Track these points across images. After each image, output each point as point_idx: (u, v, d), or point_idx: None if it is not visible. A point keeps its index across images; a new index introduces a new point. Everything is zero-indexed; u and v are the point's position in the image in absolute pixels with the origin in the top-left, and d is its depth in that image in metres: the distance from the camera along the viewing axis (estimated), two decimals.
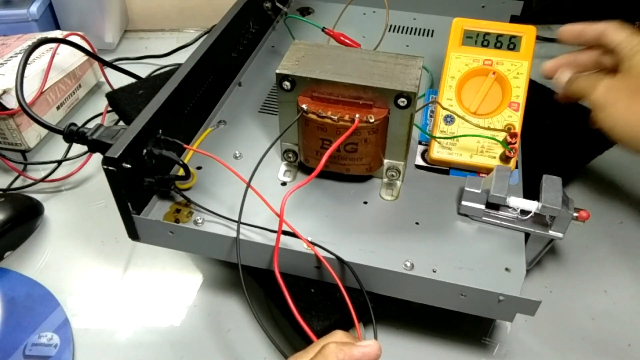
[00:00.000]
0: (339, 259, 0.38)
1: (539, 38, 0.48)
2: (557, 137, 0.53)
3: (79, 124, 0.41)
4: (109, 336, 0.45)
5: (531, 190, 0.42)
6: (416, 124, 0.44)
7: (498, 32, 0.47)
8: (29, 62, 0.51)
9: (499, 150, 0.45)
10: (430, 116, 0.51)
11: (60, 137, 0.41)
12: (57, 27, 0.77)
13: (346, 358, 0.30)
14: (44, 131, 0.62)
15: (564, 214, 0.39)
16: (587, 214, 0.39)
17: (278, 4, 0.64)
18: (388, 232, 0.42)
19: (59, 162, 0.59)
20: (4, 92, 0.56)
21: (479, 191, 0.41)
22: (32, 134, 0.60)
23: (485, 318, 0.39)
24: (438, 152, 0.46)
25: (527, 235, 0.41)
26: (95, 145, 0.40)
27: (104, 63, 0.67)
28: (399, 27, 0.67)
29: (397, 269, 0.38)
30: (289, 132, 0.43)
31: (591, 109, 0.43)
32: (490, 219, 0.42)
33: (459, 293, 0.37)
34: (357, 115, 0.39)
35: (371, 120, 0.39)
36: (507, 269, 0.39)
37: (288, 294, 0.34)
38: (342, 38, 0.55)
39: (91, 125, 0.41)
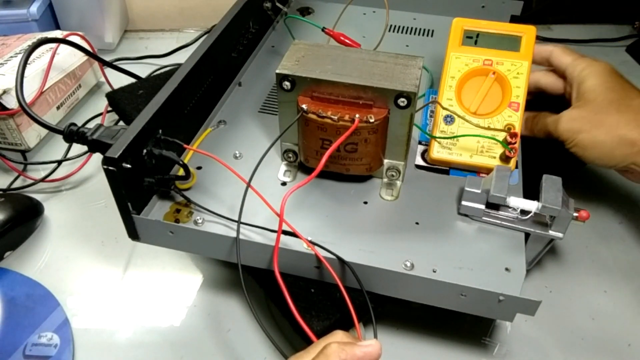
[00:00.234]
0: (339, 259, 0.38)
1: (539, 38, 0.48)
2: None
3: (79, 124, 0.41)
4: (109, 336, 0.45)
5: (531, 190, 0.42)
6: (416, 124, 0.44)
7: (498, 32, 0.47)
8: (29, 62, 0.51)
9: (499, 150, 0.45)
10: (430, 116, 0.51)
11: (60, 137, 0.41)
12: (57, 27, 0.77)
13: (348, 358, 0.30)
14: (44, 131, 0.62)
15: (564, 214, 0.39)
16: (587, 214, 0.39)
17: (278, 4, 0.64)
18: (388, 232, 0.42)
19: (59, 162, 0.59)
20: (4, 92, 0.56)
21: (479, 191, 0.41)
22: (32, 134, 0.60)
23: (485, 318, 0.39)
24: (438, 152, 0.46)
25: (527, 235, 0.41)
26: (95, 145, 0.40)
27: (104, 63, 0.67)
28: (399, 27, 0.67)
29: (397, 269, 0.38)
30: (289, 132, 0.43)
31: (560, 141, 0.45)
32: (490, 219, 0.42)
33: (459, 293, 0.37)
34: (357, 115, 0.39)
35: (371, 120, 0.39)
36: (507, 269, 0.39)
37: (288, 294, 0.34)
38: (342, 38, 0.55)
39: (91, 125, 0.41)
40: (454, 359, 0.43)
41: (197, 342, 0.44)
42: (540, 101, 0.50)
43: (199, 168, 0.46)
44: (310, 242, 0.38)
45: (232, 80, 0.56)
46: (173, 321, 0.46)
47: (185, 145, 0.42)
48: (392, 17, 0.68)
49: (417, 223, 0.42)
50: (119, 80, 0.66)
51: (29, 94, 0.58)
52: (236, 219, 0.39)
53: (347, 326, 0.38)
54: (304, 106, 0.40)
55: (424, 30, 0.67)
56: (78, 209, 0.55)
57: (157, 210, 0.42)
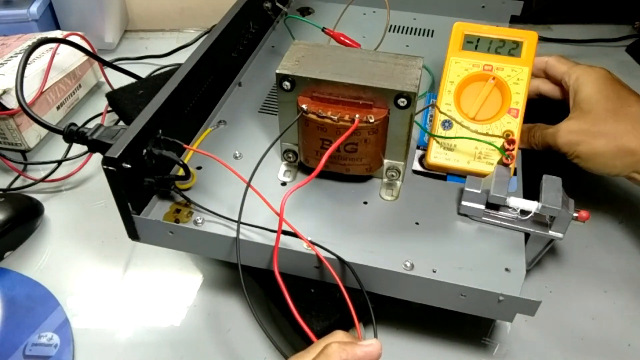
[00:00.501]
0: (339, 259, 0.38)
1: (539, 38, 0.47)
2: None
3: (79, 124, 0.41)
4: (109, 336, 0.45)
5: (531, 191, 0.42)
6: (416, 122, 0.44)
7: (499, 37, 0.47)
8: (29, 62, 0.51)
9: (496, 156, 0.45)
10: (430, 120, 0.51)
11: (60, 137, 0.41)
12: (57, 27, 0.77)
13: (349, 357, 0.30)
14: (44, 131, 0.62)
15: (564, 214, 0.39)
16: (587, 214, 0.39)
17: (278, 4, 0.64)
18: (388, 232, 0.42)
19: (59, 162, 0.59)
20: (4, 92, 0.56)
21: (479, 191, 0.41)
22: (32, 134, 0.60)
23: (485, 318, 0.39)
24: (435, 157, 0.45)
25: (527, 235, 0.41)
26: (95, 145, 0.40)
27: (104, 63, 0.67)
28: (399, 27, 0.67)
29: (397, 269, 0.38)
30: (289, 132, 0.43)
31: (561, 153, 0.45)
32: (490, 219, 0.42)
33: (459, 293, 0.37)
34: (357, 115, 0.39)
35: (371, 120, 0.39)
36: (507, 269, 0.39)
37: (288, 294, 0.35)
38: (342, 38, 0.55)
39: (91, 125, 0.41)
40: (453, 359, 0.43)
41: (197, 342, 0.44)
42: (542, 106, 0.50)
43: (199, 168, 0.46)
44: (311, 242, 0.38)
45: (232, 80, 0.56)
46: (173, 321, 0.46)
47: (185, 145, 0.42)
48: (392, 17, 0.68)
49: (417, 223, 0.42)
50: (119, 80, 0.66)
51: (29, 94, 0.58)
52: (236, 219, 0.39)
53: (347, 326, 0.38)
54: (304, 106, 0.40)
55: (424, 30, 0.67)
56: (78, 209, 0.55)
57: (157, 210, 0.42)
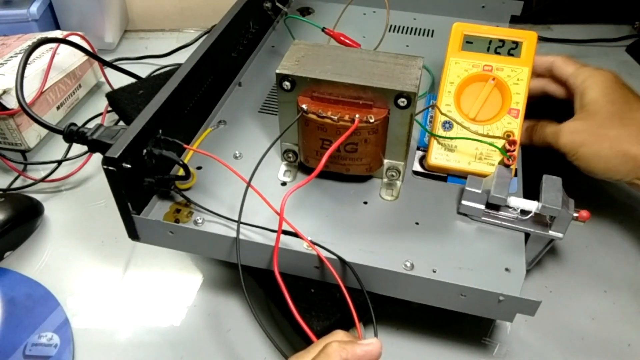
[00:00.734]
0: (340, 259, 0.38)
1: (539, 38, 0.47)
2: None
3: (79, 124, 0.41)
4: (109, 336, 0.45)
5: (531, 191, 0.42)
6: (417, 120, 0.44)
7: (498, 37, 0.47)
8: (29, 62, 0.51)
9: (497, 157, 0.44)
10: (430, 121, 0.51)
11: (60, 137, 0.41)
12: (57, 27, 0.77)
13: (349, 356, 0.30)
14: (44, 131, 0.62)
15: (564, 214, 0.39)
16: (587, 214, 0.39)
17: (278, 4, 0.64)
18: (388, 232, 0.42)
19: (59, 162, 0.59)
20: (4, 92, 0.56)
21: (479, 191, 0.41)
22: (32, 134, 0.60)
23: (485, 318, 0.39)
24: (436, 158, 0.45)
25: (527, 235, 0.41)
26: (95, 145, 0.40)
27: (104, 63, 0.67)
28: (399, 27, 0.67)
29: (397, 269, 0.38)
30: (289, 132, 0.43)
31: (561, 153, 0.45)
32: (490, 219, 0.42)
33: (459, 293, 0.37)
34: (357, 115, 0.39)
35: (371, 120, 0.39)
36: (507, 269, 0.39)
37: (288, 294, 0.35)
38: (342, 38, 0.55)
39: (91, 125, 0.41)
40: (453, 359, 0.43)
41: (197, 342, 0.44)
42: (546, 105, 0.50)
43: (199, 168, 0.46)
44: (311, 242, 0.38)
45: (232, 80, 0.56)
46: (173, 321, 0.46)
47: (185, 145, 0.42)
48: (392, 17, 0.68)
49: (417, 223, 0.42)
50: (119, 80, 0.66)
51: (29, 94, 0.58)
52: (236, 219, 0.39)
53: (347, 326, 0.38)
54: (304, 106, 0.40)
55: (424, 30, 0.67)
56: (78, 209, 0.55)
57: (157, 210, 0.42)
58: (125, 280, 0.49)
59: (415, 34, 0.66)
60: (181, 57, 0.77)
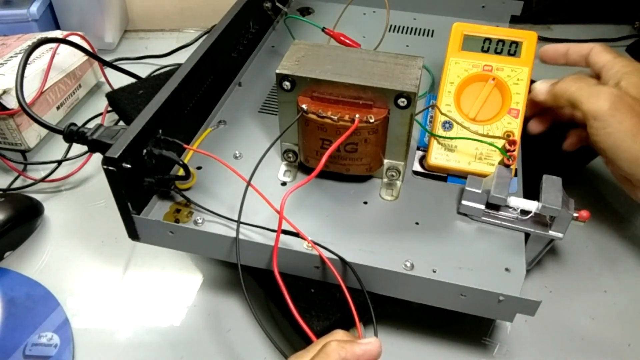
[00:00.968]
0: (340, 259, 0.38)
1: (539, 38, 0.47)
2: (557, 137, 0.53)
3: (79, 124, 0.41)
4: (109, 336, 0.45)
5: (531, 191, 0.42)
6: (417, 120, 0.44)
7: (498, 37, 0.47)
8: (29, 62, 0.51)
9: (497, 157, 0.44)
10: (430, 122, 0.51)
11: (60, 137, 0.41)
12: (57, 27, 0.77)
13: (348, 356, 0.30)
14: (44, 131, 0.62)
15: (564, 214, 0.39)
16: (587, 214, 0.39)
17: (278, 4, 0.64)
18: (388, 232, 0.42)
19: (59, 162, 0.59)
20: (4, 92, 0.56)
21: (479, 191, 0.41)
22: (32, 134, 0.60)
23: (485, 318, 0.39)
24: (436, 158, 0.45)
25: (527, 235, 0.41)
26: (95, 145, 0.40)
27: (104, 63, 0.67)
28: (399, 27, 0.67)
29: (397, 269, 0.38)
30: (289, 132, 0.43)
31: (584, 120, 0.40)
32: (490, 219, 0.42)
33: (459, 293, 0.37)
34: (357, 115, 0.39)
35: (371, 120, 0.39)
36: (507, 269, 0.39)
37: (288, 294, 0.35)
38: (342, 38, 0.55)
39: (91, 125, 0.41)
40: (453, 359, 0.43)
41: (197, 342, 0.44)
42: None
43: (199, 168, 0.46)
44: (312, 241, 0.38)
45: (232, 80, 0.56)
46: (173, 321, 0.46)
47: (185, 145, 0.42)
48: (392, 17, 0.68)
49: (417, 223, 0.42)
50: (119, 80, 0.66)
51: (29, 94, 0.58)
52: (236, 218, 0.39)
53: (347, 326, 0.38)
54: (304, 106, 0.40)
55: (424, 30, 0.67)
56: (78, 209, 0.55)
57: (157, 210, 0.42)
58: (125, 280, 0.49)
59: (415, 34, 0.66)
60: (181, 57, 0.77)
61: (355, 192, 0.45)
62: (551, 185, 0.40)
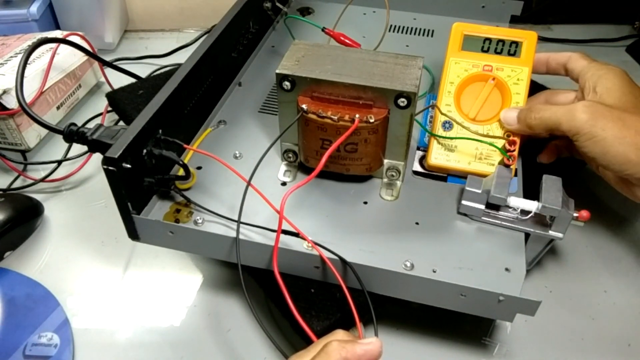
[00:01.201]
0: (341, 259, 0.38)
1: (539, 38, 0.47)
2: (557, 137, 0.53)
3: (79, 124, 0.41)
4: (109, 336, 0.45)
5: (531, 191, 0.42)
6: (417, 120, 0.44)
7: (498, 37, 0.47)
8: (29, 62, 0.51)
9: (497, 157, 0.44)
10: (430, 121, 0.51)
11: (60, 137, 0.41)
12: (57, 27, 0.77)
13: (349, 355, 0.30)
14: (44, 131, 0.62)
15: (564, 214, 0.39)
16: (587, 214, 0.39)
17: (278, 4, 0.64)
18: (388, 232, 0.42)
19: (59, 162, 0.59)
20: (4, 92, 0.56)
21: (479, 191, 0.41)
22: (32, 134, 0.60)
23: (485, 318, 0.39)
24: (436, 158, 0.45)
25: (527, 235, 0.41)
26: (95, 145, 0.40)
27: (104, 63, 0.67)
28: (399, 27, 0.67)
29: (397, 269, 0.38)
30: (289, 132, 0.43)
31: (571, 137, 0.41)
32: (490, 219, 0.42)
33: (459, 293, 0.37)
34: (357, 115, 0.39)
35: (371, 120, 0.39)
36: (507, 269, 0.39)
37: (288, 294, 0.35)
38: (342, 38, 0.55)
39: (91, 125, 0.41)
40: (453, 359, 0.43)
41: (197, 342, 0.44)
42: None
43: (199, 168, 0.46)
44: (312, 241, 0.38)
45: (232, 80, 0.56)
46: (173, 321, 0.46)
47: (185, 145, 0.42)
48: (392, 17, 0.68)
49: (417, 223, 0.42)
50: (119, 80, 0.66)
51: (29, 94, 0.58)
52: (236, 218, 0.39)
53: (347, 326, 0.38)
54: (304, 106, 0.40)
55: (424, 30, 0.67)
56: (78, 209, 0.55)
57: (157, 210, 0.42)
58: (125, 280, 0.49)
59: (415, 34, 0.66)
60: (181, 57, 0.77)
61: (355, 192, 0.45)
62: (551, 185, 0.40)
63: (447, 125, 0.46)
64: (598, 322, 0.45)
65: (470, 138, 0.45)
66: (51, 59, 0.61)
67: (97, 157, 0.42)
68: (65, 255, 0.51)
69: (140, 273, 0.50)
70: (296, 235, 0.39)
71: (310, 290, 0.40)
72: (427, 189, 0.45)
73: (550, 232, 0.40)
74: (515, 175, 0.45)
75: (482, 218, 0.42)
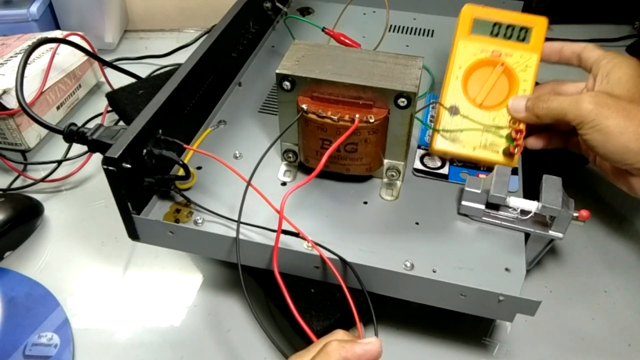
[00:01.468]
0: (341, 259, 0.38)
1: None
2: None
3: (79, 124, 0.41)
4: (109, 336, 0.45)
5: (531, 191, 0.42)
6: (417, 117, 0.44)
7: (508, 22, 0.46)
8: (29, 62, 0.51)
9: (502, 145, 0.44)
10: (431, 121, 0.51)
11: (60, 137, 0.41)
12: (57, 27, 0.77)
13: (348, 355, 0.30)
14: (44, 131, 0.62)
15: (564, 214, 0.39)
16: (587, 214, 0.39)
17: (278, 4, 0.64)
18: (388, 232, 0.42)
19: (59, 162, 0.59)
20: (4, 92, 0.56)
21: (479, 191, 0.41)
22: (32, 134, 0.60)
23: (485, 318, 0.39)
24: (440, 143, 0.45)
25: (527, 235, 0.41)
26: (95, 145, 0.40)
27: (104, 63, 0.67)
28: (399, 27, 0.67)
29: (397, 269, 0.38)
30: (289, 132, 0.43)
31: (575, 125, 0.41)
32: (490, 219, 0.42)
33: (459, 293, 0.37)
34: (357, 115, 0.39)
35: (371, 120, 0.39)
36: (507, 269, 0.39)
37: (288, 294, 0.35)
38: (342, 38, 0.55)
39: (91, 125, 0.41)
40: (454, 359, 0.43)
41: (197, 342, 0.44)
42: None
43: (199, 168, 0.46)
44: (313, 241, 0.38)
45: (232, 80, 0.56)
46: (173, 321, 0.46)
47: (185, 145, 0.42)
48: (392, 17, 0.68)
49: (417, 223, 0.42)
50: (119, 80, 0.66)
51: (29, 94, 0.58)
52: (236, 218, 0.39)
53: (347, 326, 0.38)
54: (304, 106, 0.40)
55: (424, 30, 0.67)
56: (78, 209, 0.55)
57: (157, 210, 0.42)
58: (125, 280, 0.49)
59: (415, 34, 0.66)
60: (181, 57, 0.77)
61: (355, 192, 0.45)
62: (551, 185, 0.40)
63: (453, 111, 0.45)
64: (598, 322, 0.45)
65: (474, 129, 0.44)
66: (51, 59, 0.61)
67: (97, 157, 0.42)
68: (65, 255, 0.51)
69: (140, 273, 0.50)
70: (296, 235, 0.39)
71: (310, 290, 0.40)
72: (427, 189, 0.45)
73: (550, 232, 0.40)
74: (516, 174, 0.45)
75: (482, 218, 0.42)
